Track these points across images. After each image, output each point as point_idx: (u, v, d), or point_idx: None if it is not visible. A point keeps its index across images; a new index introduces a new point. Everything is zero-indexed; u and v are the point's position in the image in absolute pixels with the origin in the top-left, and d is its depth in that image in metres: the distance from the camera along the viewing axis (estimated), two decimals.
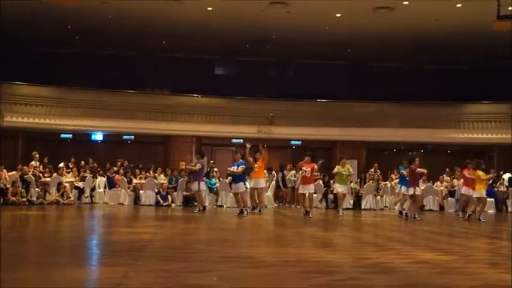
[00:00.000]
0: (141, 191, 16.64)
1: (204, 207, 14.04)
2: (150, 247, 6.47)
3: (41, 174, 16.39)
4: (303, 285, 4.31)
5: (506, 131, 20.90)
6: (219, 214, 13.86)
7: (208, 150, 21.28)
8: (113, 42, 21.30)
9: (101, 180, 17.32)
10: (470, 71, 22.44)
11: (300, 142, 22.27)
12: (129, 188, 16.69)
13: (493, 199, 17.00)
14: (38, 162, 16.93)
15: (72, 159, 17.81)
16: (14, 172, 15.77)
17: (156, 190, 16.44)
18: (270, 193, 17.31)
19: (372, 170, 18.68)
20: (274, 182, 17.84)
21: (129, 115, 20.92)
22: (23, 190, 15.00)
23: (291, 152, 22.57)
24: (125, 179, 16.81)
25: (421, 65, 22.92)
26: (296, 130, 21.54)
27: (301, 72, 23.50)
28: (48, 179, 16.17)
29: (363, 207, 17.12)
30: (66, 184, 15.92)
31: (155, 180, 16.91)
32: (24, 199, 14.81)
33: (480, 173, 13.34)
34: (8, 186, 14.89)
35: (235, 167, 13.04)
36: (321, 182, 17.22)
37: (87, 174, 17.12)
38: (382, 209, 17.13)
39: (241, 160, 13.22)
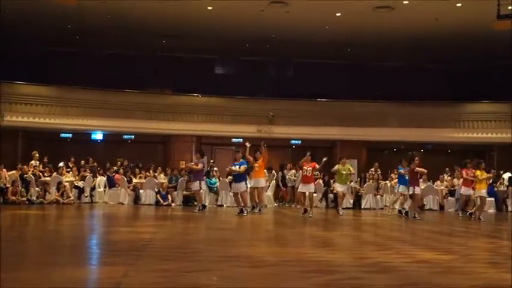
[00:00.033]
0: (141, 191, 16.64)
1: (204, 206, 14.04)
2: (150, 246, 6.47)
3: (40, 174, 16.39)
4: (303, 284, 4.31)
5: (506, 130, 20.91)
6: (219, 214, 13.86)
7: (208, 149, 21.27)
8: (113, 42, 21.30)
9: (101, 179, 17.32)
10: (470, 71, 22.44)
11: (299, 141, 22.27)
12: (129, 187, 16.69)
13: (493, 198, 17.00)
14: (37, 162, 16.93)
15: (72, 159, 17.82)
16: (13, 171, 15.78)
17: (156, 189, 16.44)
18: (270, 193, 17.31)
19: (373, 169, 18.68)
20: (274, 181, 17.85)
21: (129, 114, 20.92)
22: (22, 189, 15.01)
23: (291, 152, 22.57)
24: (125, 179, 16.82)
25: (421, 64, 22.92)
26: (296, 129, 21.54)
27: (301, 72, 23.49)
28: (48, 178, 16.17)
29: (362, 206, 17.13)
30: (66, 183, 15.92)
31: (155, 180, 16.92)
32: (24, 198, 14.82)
33: (478, 172, 13.34)
34: (8, 185, 14.91)
35: (237, 166, 13.02)
36: (321, 181, 17.22)
37: (87, 174, 17.12)
38: (382, 209, 17.13)
39: (242, 159, 13.22)
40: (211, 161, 19.06)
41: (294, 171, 17.95)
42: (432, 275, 4.86)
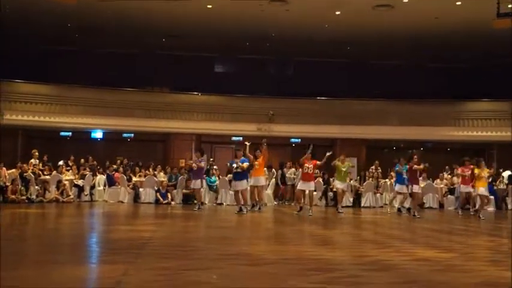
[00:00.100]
0: (140, 189, 16.64)
1: (201, 203, 14.04)
2: (150, 245, 6.47)
3: (40, 172, 16.39)
4: (302, 282, 4.31)
5: (506, 128, 20.91)
6: (218, 212, 13.85)
7: (208, 148, 21.29)
8: (113, 41, 21.29)
9: (101, 178, 17.32)
10: (470, 69, 22.45)
11: (299, 140, 22.28)
12: (128, 186, 16.70)
13: (492, 197, 17.01)
14: (37, 160, 16.92)
15: (72, 157, 17.83)
16: (13, 170, 15.78)
17: (156, 188, 16.44)
18: (269, 191, 17.31)
19: (373, 167, 18.69)
20: (274, 179, 17.85)
21: (129, 113, 20.93)
22: (22, 188, 15.01)
23: (291, 150, 22.59)
24: (125, 177, 16.81)
25: (420, 63, 22.92)
26: (296, 128, 21.55)
27: (301, 70, 23.49)
28: (47, 177, 16.17)
29: (362, 204, 17.13)
30: (66, 182, 15.92)
31: (155, 178, 16.92)
32: (24, 197, 14.81)
33: (477, 170, 13.36)
34: (8, 184, 14.91)
35: (240, 163, 12.99)
36: (320, 179, 17.23)
37: (87, 172, 17.12)
38: (381, 207, 17.14)
39: (243, 157, 13.22)
40: (211, 159, 19.07)
41: (293, 169, 17.95)
42: (432, 273, 4.86)
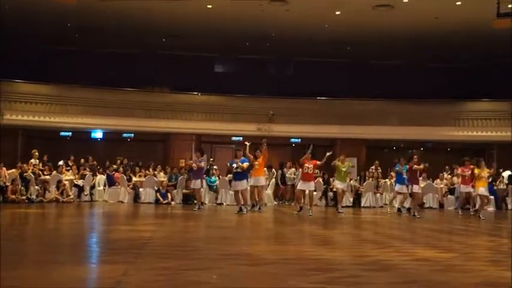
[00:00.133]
0: (140, 189, 16.64)
1: (201, 203, 14.04)
2: (150, 245, 6.47)
3: (40, 172, 16.39)
4: (302, 282, 4.31)
5: (506, 128, 20.91)
6: (218, 212, 13.85)
7: (208, 148, 21.29)
8: (113, 40, 21.29)
9: (101, 178, 17.32)
10: (470, 69, 22.45)
11: (299, 140, 22.29)
12: (128, 186, 16.70)
13: (492, 197, 17.01)
14: (37, 160, 16.92)
15: (72, 157, 17.83)
16: (13, 170, 15.78)
17: (156, 188, 16.44)
18: (269, 191, 17.31)
19: (373, 167, 18.69)
20: (274, 179, 17.85)
21: (129, 113, 20.93)
22: (22, 188, 15.01)
23: (291, 150, 22.59)
24: (125, 177, 16.81)
25: (420, 63, 22.92)
26: (296, 128, 21.55)
27: (301, 70, 23.49)
28: (47, 177, 16.17)
29: (362, 204, 17.13)
30: (66, 182, 15.92)
31: (155, 178, 16.92)
32: (24, 197, 14.81)
33: (477, 170, 13.36)
34: (8, 184, 14.91)
35: (240, 163, 12.98)
36: (320, 179, 17.22)
37: (87, 172, 17.12)
38: (381, 207, 17.14)
39: (243, 157, 13.21)
40: (211, 159, 19.07)
41: (293, 169, 17.96)
42: (432, 273, 4.85)
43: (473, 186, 13.68)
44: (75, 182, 16.56)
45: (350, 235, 8.86)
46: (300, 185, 13.18)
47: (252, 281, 4.39)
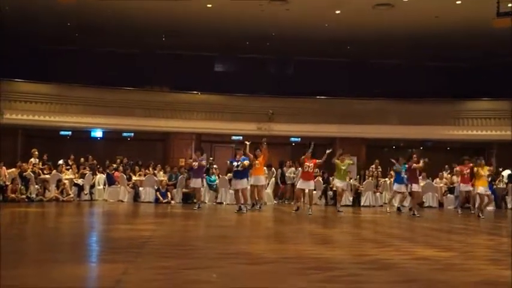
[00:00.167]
0: (140, 188, 16.64)
1: (200, 202, 14.05)
2: (150, 244, 6.48)
3: (40, 171, 16.39)
4: (302, 281, 4.31)
5: (506, 127, 20.90)
6: (218, 211, 13.86)
7: (208, 147, 21.29)
8: (113, 40, 21.27)
9: (101, 177, 17.32)
10: (470, 68, 22.43)
11: (299, 139, 22.28)
12: (128, 185, 16.69)
13: (492, 196, 17.00)
14: (37, 159, 16.91)
15: (72, 156, 17.83)
16: (13, 169, 15.78)
17: (156, 187, 16.44)
18: (269, 190, 17.31)
19: (373, 166, 18.69)
20: (273, 178, 17.85)
21: (129, 112, 20.92)
22: (22, 187, 15.01)
23: (291, 149, 22.58)
24: (125, 176, 16.81)
25: (420, 62, 22.91)
26: (296, 127, 21.54)
27: (301, 69, 23.48)
28: (47, 176, 16.17)
29: (362, 203, 17.12)
30: (66, 181, 15.91)
31: (155, 177, 16.91)
32: (24, 196, 14.81)
33: (476, 168, 13.37)
34: (8, 183, 14.90)
35: (241, 161, 12.95)
36: (320, 178, 17.22)
37: (87, 171, 17.11)
38: (381, 206, 17.14)
39: (243, 157, 13.21)
40: (211, 158, 19.07)
41: (293, 168, 17.96)
42: (432, 272, 4.86)
43: (472, 185, 13.69)
44: (75, 181, 16.56)
45: (350, 234, 8.87)
46: (300, 184, 13.17)
47: (252, 280, 4.40)
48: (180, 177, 16.59)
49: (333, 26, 19.22)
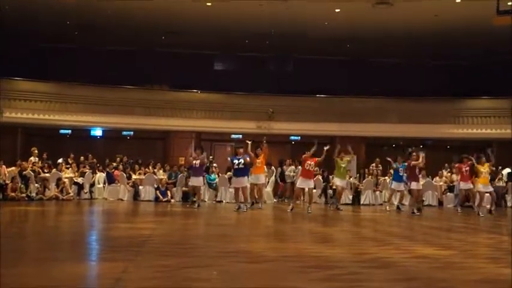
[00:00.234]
0: (140, 187, 16.64)
1: (193, 202, 14.05)
2: (150, 242, 6.48)
3: (40, 170, 16.37)
4: (302, 280, 4.31)
5: (506, 126, 20.89)
6: (218, 210, 13.86)
7: (208, 145, 21.28)
8: (112, 38, 21.25)
9: (100, 175, 17.31)
10: (469, 67, 22.42)
11: (299, 137, 22.28)
12: (128, 183, 16.69)
13: (494, 194, 16.98)
14: (37, 158, 16.90)
15: (72, 155, 17.82)
16: (13, 168, 15.77)
17: (156, 186, 16.44)
18: (269, 188, 17.30)
19: (373, 164, 18.68)
20: (273, 177, 17.85)
21: (129, 111, 20.92)
22: (22, 186, 15.00)
23: (290, 148, 22.58)
24: (124, 175, 16.81)
25: (420, 60, 22.89)
26: (295, 125, 21.54)
27: (300, 68, 23.46)
28: (47, 174, 16.16)
29: (362, 202, 17.11)
30: (66, 180, 15.91)
31: (154, 176, 16.91)
32: (24, 195, 14.81)
33: (477, 166, 13.36)
34: (7, 181, 14.89)
35: (241, 160, 12.91)
36: (320, 177, 17.21)
37: (87, 170, 17.11)
38: (381, 204, 17.13)
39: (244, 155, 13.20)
40: (211, 157, 19.06)
41: (293, 167, 17.94)
42: (431, 270, 4.86)
43: (473, 183, 13.68)
44: (75, 180, 16.55)
45: (350, 233, 8.87)
46: (300, 183, 13.12)
47: (252, 279, 4.40)
48: (179, 176, 16.59)
49: (333, 24, 19.20)
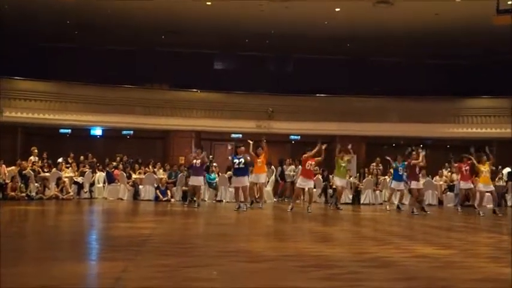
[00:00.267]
0: (140, 186, 16.64)
1: (191, 201, 14.04)
2: (150, 242, 6.48)
3: (40, 169, 16.38)
4: (302, 279, 4.31)
5: (506, 125, 20.90)
6: (218, 209, 13.86)
7: (208, 145, 21.28)
8: (112, 37, 21.24)
9: (100, 175, 17.31)
10: (469, 66, 22.42)
11: (299, 137, 22.28)
12: (128, 183, 16.69)
13: (495, 193, 16.96)
14: (37, 158, 16.90)
15: (71, 154, 17.83)
16: (13, 167, 15.78)
17: (156, 185, 16.44)
18: (269, 188, 17.30)
19: (374, 164, 18.68)
20: (273, 176, 17.84)
21: (128, 110, 20.91)
22: (22, 185, 14.99)
23: (290, 147, 22.58)
24: (124, 174, 16.81)
25: (420, 59, 22.89)
26: (295, 125, 21.53)
27: (300, 67, 23.46)
28: (47, 174, 16.16)
29: (362, 201, 17.10)
30: (66, 179, 15.91)
31: (154, 175, 16.91)
32: (24, 194, 14.81)
33: (478, 165, 13.36)
34: (7, 181, 14.90)
35: (242, 159, 12.91)
36: (320, 176, 17.21)
37: (87, 169, 17.12)
38: (381, 204, 17.13)
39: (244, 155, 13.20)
40: (211, 156, 19.05)
41: (293, 166, 17.93)
42: (431, 270, 4.86)
43: (473, 182, 13.67)
44: (75, 179, 16.55)
45: (349, 232, 8.87)
46: (300, 183, 13.11)
47: (252, 278, 4.39)
48: (179, 175, 16.59)
49: (333, 24, 19.20)
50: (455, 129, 21.78)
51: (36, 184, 15.55)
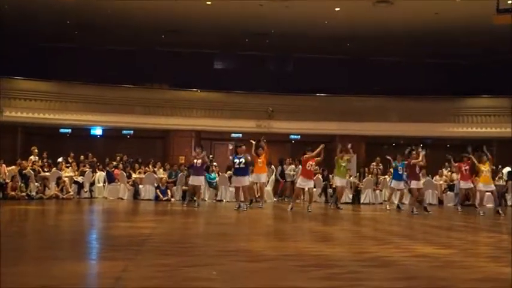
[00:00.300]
0: (140, 186, 16.64)
1: (190, 200, 14.04)
2: (150, 241, 6.48)
3: (40, 169, 16.38)
4: (302, 278, 4.31)
5: (506, 125, 20.91)
6: (218, 209, 13.86)
7: (208, 144, 21.27)
8: (112, 37, 21.25)
9: (100, 174, 17.32)
10: (469, 65, 22.42)
11: (299, 136, 22.28)
12: (128, 182, 16.70)
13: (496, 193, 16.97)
14: (37, 157, 16.91)
15: (72, 154, 17.83)
16: (13, 167, 15.78)
17: (156, 184, 16.44)
18: (269, 187, 17.30)
19: (374, 163, 18.68)
20: (273, 176, 17.84)
21: (128, 110, 20.92)
22: (22, 185, 15.00)
23: (290, 147, 22.58)
24: (124, 174, 16.82)
25: (420, 59, 22.89)
26: (295, 124, 21.53)
27: (300, 67, 23.47)
28: (47, 173, 16.16)
29: (362, 201, 17.11)
30: (66, 179, 15.92)
31: (154, 175, 16.92)
32: (24, 194, 14.81)
33: (479, 165, 13.36)
34: (8, 181, 14.90)
35: (242, 158, 12.91)
36: (320, 176, 17.21)
37: (87, 169, 17.12)
38: (381, 203, 17.14)
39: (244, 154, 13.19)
40: (211, 155, 19.04)
41: (293, 166, 17.94)
42: (431, 269, 4.86)
43: (473, 182, 13.67)
44: (75, 179, 16.56)
45: (350, 231, 8.87)
46: (300, 182, 13.10)
47: (252, 278, 4.40)
48: (180, 175, 16.59)
49: (333, 23, 19.20)
50: (455, 129, 21.78)
51: (36, 184, 15.56)
